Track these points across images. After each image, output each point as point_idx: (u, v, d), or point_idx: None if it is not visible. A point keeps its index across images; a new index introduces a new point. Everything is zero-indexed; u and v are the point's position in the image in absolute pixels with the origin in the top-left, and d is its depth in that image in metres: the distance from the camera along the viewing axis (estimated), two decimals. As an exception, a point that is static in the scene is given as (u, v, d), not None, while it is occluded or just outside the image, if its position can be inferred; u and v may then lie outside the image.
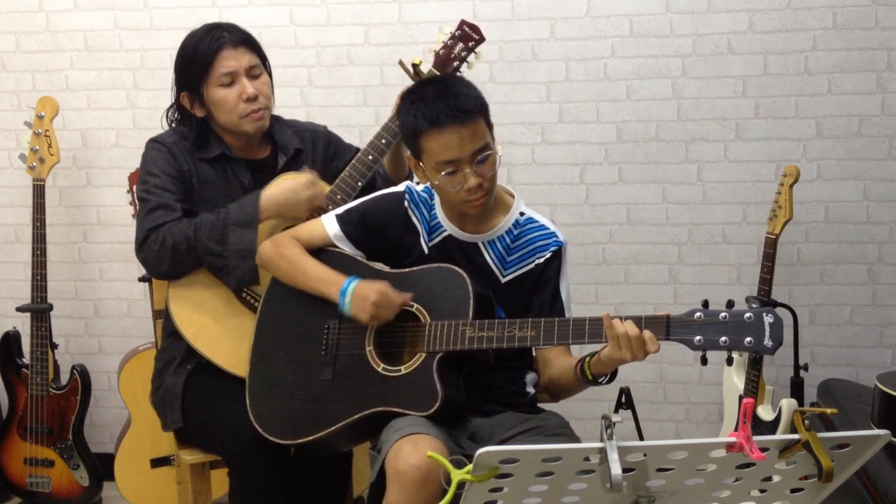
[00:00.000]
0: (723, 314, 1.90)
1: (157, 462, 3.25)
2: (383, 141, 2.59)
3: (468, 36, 2.64)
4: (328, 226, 2.36)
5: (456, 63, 2.64)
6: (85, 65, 3.52)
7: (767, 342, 1.86)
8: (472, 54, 2.66)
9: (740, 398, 3.04)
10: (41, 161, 3.31)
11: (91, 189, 3.59)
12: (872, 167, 3.24)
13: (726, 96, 3.28)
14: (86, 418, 3.39)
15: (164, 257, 2.46)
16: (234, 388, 2.39)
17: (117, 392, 3.31)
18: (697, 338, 1.91)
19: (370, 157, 2.59)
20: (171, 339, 2.57)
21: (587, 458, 1.49)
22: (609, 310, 3.12)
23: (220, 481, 2.55)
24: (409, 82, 2.51)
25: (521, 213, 2.32)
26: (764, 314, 1.87)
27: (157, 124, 2.69)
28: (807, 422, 1.52)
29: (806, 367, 3.02)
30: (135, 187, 2.78)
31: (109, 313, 3.64)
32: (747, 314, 1.88)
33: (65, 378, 3.36)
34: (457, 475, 1.51)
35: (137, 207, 2.60)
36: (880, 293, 3.30)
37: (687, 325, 1.93)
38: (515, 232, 2.30)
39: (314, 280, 2.29)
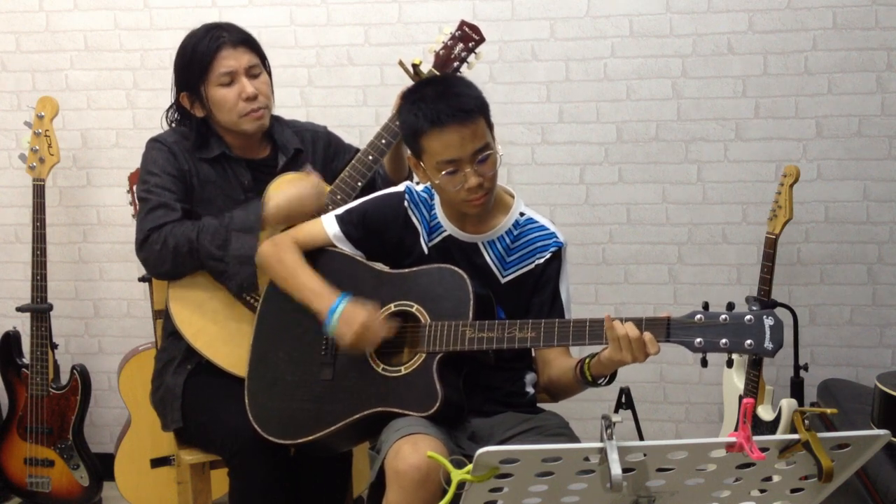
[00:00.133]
0: (723, 316, 1.90)
1: (157, 462, 3.25)
2: (383, 141, 2.59)
3: (468, 36, 2.64)
4: (328, 226, 2.36)
5: (456, 63, 2.63)
6: (85, 65, 3.52)
7: (768, 345, 1.86)
8: (473, 54, 2.65)
9: (740, 398, 3.04)
10: (41, 161, 3.30)
11: (91, 189, 3.59)
12: (872, 167, 3.24)
13: (726, 96, 3.28)
14: (86, 418, 3.39)
15: (165, 258, 2.45)
16: (234, 388, 2.39)
17: (117, 392, 3.31)
18: (698, 340, 1.91)
19: (370, 158, 2.58)
20: (171, 339, 2.57)
21: (587, 458, 1.49)
22: (609, 310, 3.15)
23: (220, 481, 2.55)
24: (409, 82, 2.51)
25: (521, 214, 2.32)
26: (764, 316, 1.87)
27: (157, 124, 2.68)
28: (807, 422, 1.52)
29: (806, 367, 3.02)
30: (135, 187, 2.78)
31: (109, 313, 3.64)
32: (748, 316, 1.88)
33: (65, 378, 3.36)
34: (457, 475, 1.51)
35: (137, 207, 2.60)
36: (880, 293, 3.30)
37: (687, 327, 1.92)
38: (515, 232, 2.30)
39: (307, 291, 2.28)
